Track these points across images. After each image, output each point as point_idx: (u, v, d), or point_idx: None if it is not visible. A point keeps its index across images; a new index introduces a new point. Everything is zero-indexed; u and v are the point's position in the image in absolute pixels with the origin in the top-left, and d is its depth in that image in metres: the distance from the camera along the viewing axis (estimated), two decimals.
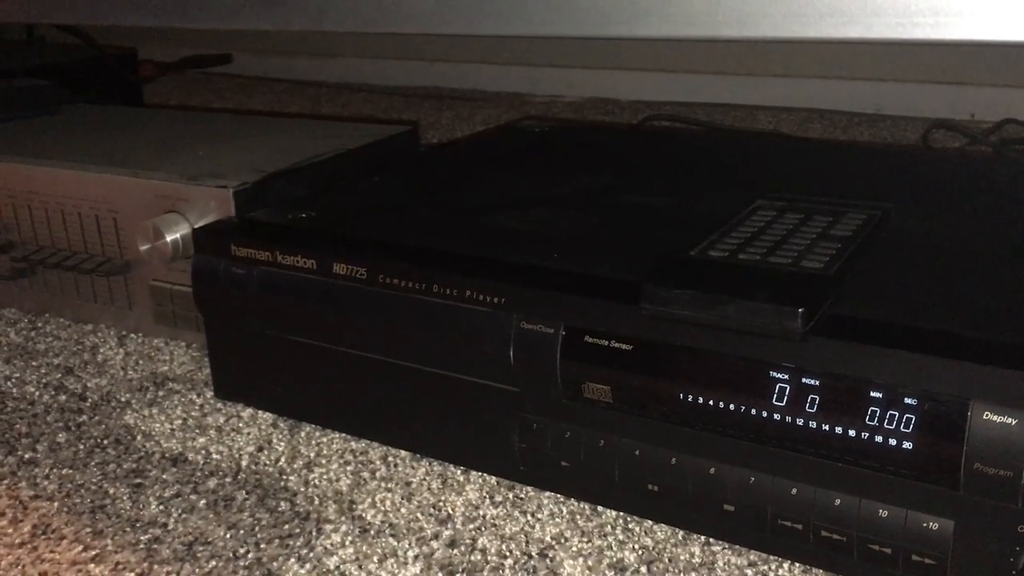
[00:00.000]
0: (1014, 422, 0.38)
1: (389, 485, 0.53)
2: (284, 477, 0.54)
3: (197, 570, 0.46)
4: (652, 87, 1.55)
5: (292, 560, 0.47)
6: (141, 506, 0.52)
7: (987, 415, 0.38)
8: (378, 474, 0.54)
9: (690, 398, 0.45)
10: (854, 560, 0.43)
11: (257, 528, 0.49)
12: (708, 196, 0.62)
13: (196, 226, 0.63)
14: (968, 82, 1.34)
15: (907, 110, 1.35)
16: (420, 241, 0.55)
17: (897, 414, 0.40)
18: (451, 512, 0.50)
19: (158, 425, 0.60)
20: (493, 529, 0.49)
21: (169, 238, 0.64)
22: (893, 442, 0.40)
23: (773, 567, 0.45)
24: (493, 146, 0.82)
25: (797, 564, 0.45)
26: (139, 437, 0.59)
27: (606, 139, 0.87)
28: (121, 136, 0.84)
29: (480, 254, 0.53)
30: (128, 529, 0.50)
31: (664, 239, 0.53)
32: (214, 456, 0.56)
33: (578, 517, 0.50)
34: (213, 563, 0.47)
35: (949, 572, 0.41)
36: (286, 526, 0.50)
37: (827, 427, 0.42)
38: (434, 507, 0.51)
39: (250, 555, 0.47)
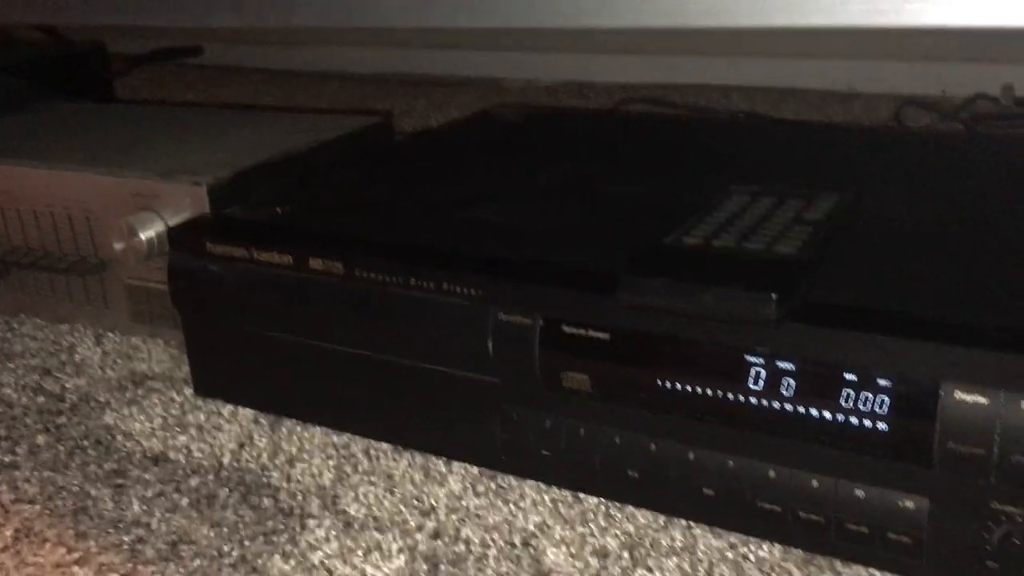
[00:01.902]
0: (985, 401, 0.39)
1: (372, 478, 0.53)
2: (266, 473, 0.54)
3: (182, 569, 0.46)
4: (627, 70, 1.54)
5: (277, 556, 0.47)
6: (123, 507, 0.52)
7: (958, 395, 0.39)
8: (360, 467, 0.54)
9: (668, 385, 0.45)
10: (832, 540, 0.44)
11: (241, 525, 0.50)
12: (683, 181, 0.63)
13: (171, 224, 0.63)
14: (938, 58, 1.34)
15: (879, 87, 1.36)
16: (396, 234, 0.55)
17: (871, 396, 0.41)
18: (434, 504, 0.51)
19: (138, 424, 0.60)
20: (476, 519, 0.49)
21: (144, 236, 0.64)
22: (868, 424, 0.41)
23: (753, 548, 0.46)
24: (467, 135, 0.82)
25: (776, 545, 0.46)
26: (119, 437, 0.59)
27: (579, 126, 0.87)
28: (93, 133, 0.83)
29: (456, 246, 0.53)
30: (111, 530, 0.50)
31: (639, 227, 0.54)
32: (196, 454, 0.56)
33: (560, 505, 0.50)
34: (198, 562, 0.47)
35: (925, 549, 0.42)
36: (270, 522, 0.50)
37: (803, 410, 0.42)
38: (417, 499, 0.51)
39: (234, 553, 0.47)
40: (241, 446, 0.57)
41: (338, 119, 0.84)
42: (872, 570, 0.44)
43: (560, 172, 0.67)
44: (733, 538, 0.47)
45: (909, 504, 0.42)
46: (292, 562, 0.47)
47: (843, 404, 0.41)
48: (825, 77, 1.41)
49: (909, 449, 0.41)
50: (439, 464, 0.54)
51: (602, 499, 0.50)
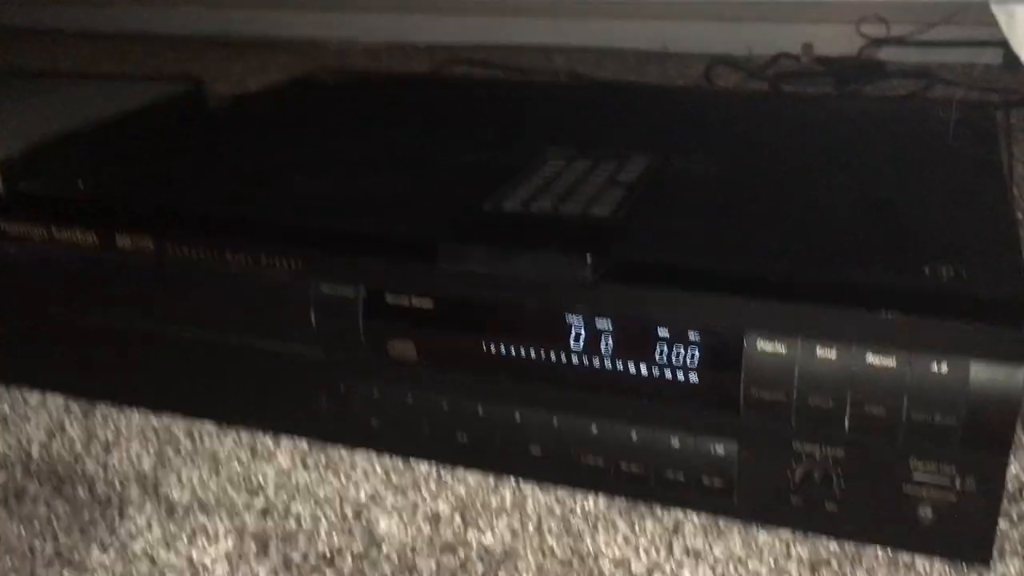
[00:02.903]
0: (784, 350, 0.41)
1: (195, 460, 0.52)
2: (80, 462, 0.52)
3: None
4: (449, 30, 1.54)
5: (94, 548, 0.45)
6: None
7: (760, 344, 0.41)
8: (183, 450, 0.53)
9: (492, 349, 0.46)
10: (652, 488, 0.46)
11: (54, 519, 0.47)
12: (503, 145, 0.63)
13: None
14: (744, 19, 1.41)
15: (691, 47, 1.41)
16: (209, 208, 0.53)
17: (682, 349, 0.43)
18: (263, 481, 0.50)
19: None
20: (307, 494, 0.49)
21: None
22: (681, 376, 0.43)
23: (579, 501, 0.48)
24: (283, 102, 0.80)
25: (601, 496, 0.48)
26: None
27: (399, 90, 0.86)
28: None
29: (273, 218, 0.52)
30: None
31: (460, 193, 0.54)
32: (0, 448, 0.53)
33: (392, 473, 0.50)
34: (8, 561, 0.44)
35: (736, 490, 0.45)
36: (85, 514, 0.47)
37: (621, 367, 0.44)
38: (244, 478, 0.50)
39: (48, 548, 0.45)
40: (51, 436, 0.54)
41: (146, 86, 0.79)
42: (689, 512, 0.46)
43: (379, 138, 0.66)
44: (561, 492, 0.48)
45: (720, 449, 0.44)
46: (112, 553, 0.45)
47: (657, 359, 0.43)
48: (641, 37, 1.45)
49: (718, 397, 0.43)
50: (267, 440, 0.53)
51: (433, 464, 0.51)
